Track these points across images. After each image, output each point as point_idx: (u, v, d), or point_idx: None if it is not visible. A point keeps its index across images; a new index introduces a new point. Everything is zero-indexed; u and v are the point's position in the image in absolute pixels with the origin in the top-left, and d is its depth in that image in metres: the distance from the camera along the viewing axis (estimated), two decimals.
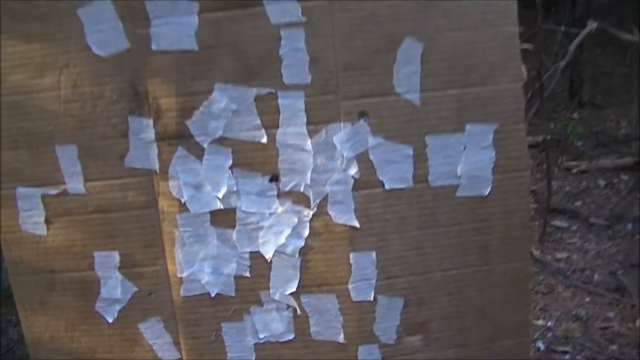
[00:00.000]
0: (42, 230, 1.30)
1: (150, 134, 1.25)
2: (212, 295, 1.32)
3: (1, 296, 2.79)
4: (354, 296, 1.30)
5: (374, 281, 1.29)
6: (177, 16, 1.20)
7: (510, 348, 1.35)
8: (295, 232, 1.27)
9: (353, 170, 1.24)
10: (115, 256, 1.31)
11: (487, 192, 1.25)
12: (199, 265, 1.30)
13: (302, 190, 1.26)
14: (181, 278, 1.31)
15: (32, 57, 1.22)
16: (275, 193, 1.27)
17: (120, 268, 1.31)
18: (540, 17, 2.92)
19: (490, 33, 1.20)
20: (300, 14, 1.19)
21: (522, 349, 1.35)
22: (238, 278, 1.31)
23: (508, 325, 1.33)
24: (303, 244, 1.28)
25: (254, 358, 1.35)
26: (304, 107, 1.22)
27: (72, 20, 1.21)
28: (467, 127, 1.23)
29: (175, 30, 1.20)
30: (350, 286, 1.30)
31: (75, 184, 1.28)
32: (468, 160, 1.24)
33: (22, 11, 1.20)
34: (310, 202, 1.26)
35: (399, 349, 1.33)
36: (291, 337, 1.33)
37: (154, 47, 1.21)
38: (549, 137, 3.27)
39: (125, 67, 1.22)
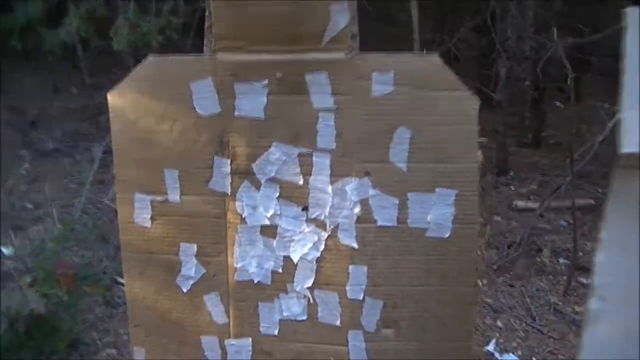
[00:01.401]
0: (147, 223, 2.06)
1: (227, 169, 1.99)
2: (255, 282, 2.04)
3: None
4: (349, 295, 2.00)
5: (364, 286, 1.99)
6: (253, 94, 1.94)
7: (457, 348, 2.02)
8: (315, 246, 1.99)
9: (357, 210, 1.95)
10: (194, 247, 2.05)
11: (447, 235, 1.94)
12: (249, 261, 2.03)
13: (322, 218, 1.97)
14: (236, 267, 2.05)
15: (156, 109, 1.99)
16: (305, 219, 1.98)
17: (196, 255, 2.06)
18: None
19: (458, 128, 1.89)
20: (332, 103, 1.91)
21: (466, 350, 2.02)
22: (274, 272, 2.03)
23: (456, 331, 2.00)
24: (319, 255, 1.99)
25: (277, 329, 2.07)
26: (329, 164, 1.94)
27: (186, 89, 1.97)
28: (437, 190, 1.92)
29: (251, 103, 1.95)
30: (347, 288, 2.00)
31: (174, 196, 2.03)
32: (436, 212, 1.93)
33: (156, 77, 1.97)
34: (327, 227, 1.98)
35: (377, 336, 2.02)
36: (304, 317, 2.04)
37: (236, 114, 1.96)
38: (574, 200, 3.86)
39: (216, 124, 1.97)
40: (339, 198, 1.92)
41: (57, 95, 7.89)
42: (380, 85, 1.85)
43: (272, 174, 1.94)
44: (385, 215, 1.92)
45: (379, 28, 8.16)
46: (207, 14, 1.92)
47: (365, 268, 1.95)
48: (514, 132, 6.30)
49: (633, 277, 1.30)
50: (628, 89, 1.27)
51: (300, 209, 1.95)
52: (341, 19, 1.83)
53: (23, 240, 4.27)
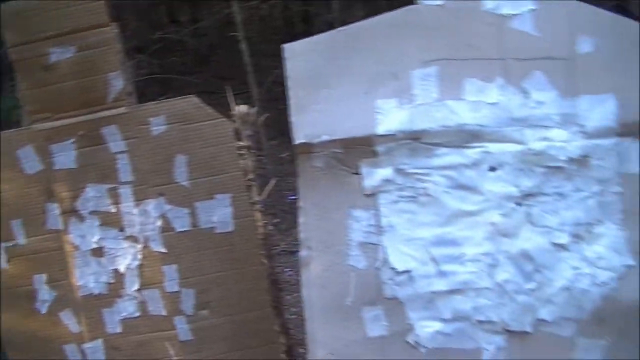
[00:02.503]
0: (5, 265, 2.73)
1: (57, 211, 2.67)
2: (96, 293, 2.71)
3: None
4: (167, 289, 2.68)
5: (177, 280, 2.67)
6: (65, 151, 2.63)
7: (260, 315, 2.71)
8: (134, 257, 2.67)
9: (159, 223, 2.64)
10: (44, 276, 2.72)
11: (231, 229, 2.64)
12: (88, 278, 2.70)
13: (135, 234, 2.66)
14: (79, 285, 2.72)
15: None
16: (122, 237, 2.67)
17: (47, 283, 2.72)
18: None
19: (222, 147, 2.61)
20: (125, 146, 2.61)
21: (267, 316, 2.71)
22: (108, 284, 2.70)
23: (257, 302, 2.70)
24: (139, 262, 2.68)
25: (120, 327, 2.74)
26: (131, 193, 2.63)
27: (14, 157, 2.65)
28: (216, 196, 2.63)
29: (65, 158, 2.63)
30: (165, 284, 2.68)
31: (21, 239, 2.70)
32: (219, 213, 2.63)
33: None
34: (140, 241, 2.67)
35: (195, 318, 2.71)
36: (138, 314, 2.71)
37: (55, 168, 2.65)
38: None
39: (42, 179, 2.66)
40: (144, 217, 2.62)
41: None
42: (157, 126, 2.56)
43: (91, 208, 2.63)
44: (181, 223, 2.61)
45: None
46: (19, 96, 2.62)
47: (175, 266, 2.64)
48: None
49: (325, 231, 2.04)
50: (294, 101, 2.01)
51: (117, 230, 2.64)
52: (118, 83, 2.54)
53: None
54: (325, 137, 1.99)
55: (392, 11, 2.03)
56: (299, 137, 2.01)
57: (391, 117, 2.00)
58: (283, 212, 5.43)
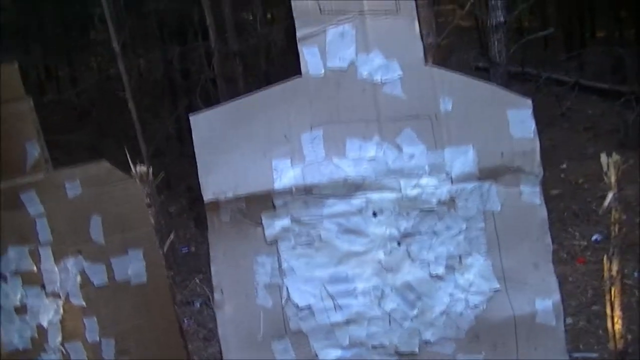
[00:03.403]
0: None
1: None
2: (21, 349, 2.96)
3: None
4: (89, 340, 2.95)
5: (97, 331, 2.96)
6: None
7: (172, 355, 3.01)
8: (56, 311, 2.93)
9: (78, 279, 2.92)
10: None
11: (145, 280, 2.94)
12: (12, 334, 2.95)
13: (57, 290, 2.93)
14: (3, 342, 2.96)
15: None
16: (44, 294, 2.94)
17: None
18: None
19: (132, 207, 2.92)
20: (43, 210, 2.89)
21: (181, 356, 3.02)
22: (32, 339, 2.96)
23: (170, 346, 3.00)
24: (60, 317, 2.94)
25: None
26: (50, 253, 2.91)
27: None
28: (129, 251, 2.93)
29: None
30: (86, 335, 2.95)
31: None
32: (133, 266, 2.93)
33: None
34: (61, 296, 2.93)
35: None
36: None
37: None
38: None
39: None
40: (65, 273, 2.89)
41: None
42: (72, 190, 2.85)
43: (14, 269, 2.89)
44: (98, 277, 2.90)
45: None
46: None
47: (94, 318, 2.92)
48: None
49: (235, 276, 2.38)
50: (201, 164, 2.35)
51: (39, 287, 2.90)
52: (34, 151, 2.83)
53: None
54: (230, 194, 2.35)
55: (282, 82, 2.41)
56: (207, 195, 2.37)
57: (286, 175, 2.38)
58: (177, 265, 5.78)
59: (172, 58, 6.79)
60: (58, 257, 2.86)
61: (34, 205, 2.84)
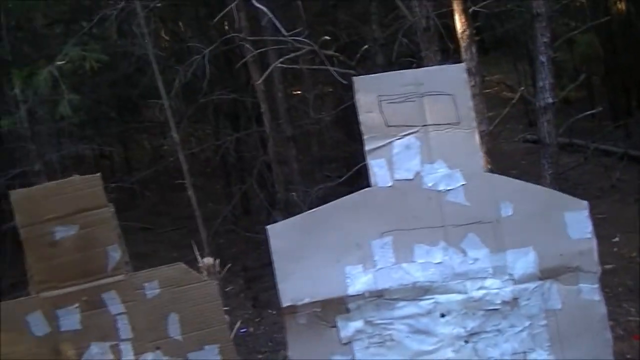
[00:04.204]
0: None
1: None
2: None
3: None
4: None
5: None
6: (69, 314, 3.13)
7: None
8: None
9: None
10: None
11: None
12: None
13: None
14: None
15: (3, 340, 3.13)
16: None
17: None
18: None
19: (208, 306, 3.14)
20: (123, 309, 3.13)
21: None
22: None
23: None
24: None
25: None
26: (131, 349, 3.14)
27: (23, 322, 3.13)
28: (205, 347, 3.15)
29: (69, 320, 3.13)
30: None
31: None
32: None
33: None
34: None
35: None
36: None
37: (62, 329, 3.14)
38: None
39: (49, 340, 3.14)
40: None
41: None
42: (150, 290, 3.09)
43: None
44: None
45: None
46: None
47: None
48: None
49: None
50: (279, 272, 2.58)
51: None
52: (115, 255, 3.08)
53: None
54: (306, 300, 2.56)
55: (354, 194, 2.64)
56: (285, 301, 2.59)
57: (359, 280, 2.59)
58: (237, 345, 6.00)
59: (227, 143, 7.12)
60: (138, 352, 3.08)
61: (114, 304, 3.08)
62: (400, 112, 2.62)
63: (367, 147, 2.63)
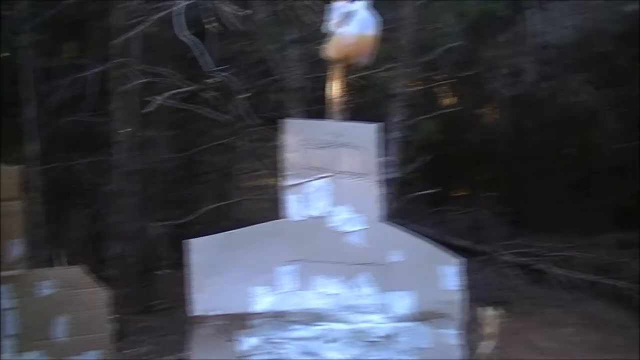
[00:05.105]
0: None
1: None
2: None
3: None
4: None
5: None
6: None
7: None
8: None
9: None
10: None
11: None
12: None
13: None
14: None
15: None
16: None
17: None
18: None
19: (96, 312, 3.32)
20: (16, 303, 3.24)
21: None
22: None
23: None
24: None
25: None
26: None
27: None
28: (89, 352, 3.31)
29: None
30: None
31: None
32: None
33: None
34: None
35: None
36: None
37: None
38: None
39: None
40: None
41: None
42: (44, 289, 3.23)
43: None
44: None
45: None
46: None
47: None
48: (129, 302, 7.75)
49: None
50: (194, 283, 2.83)
51: None
52: (17, 249, 3.20)
53: None
54: (215, 312, 2.86)
55: (270, 222, 2.99)
56: (196, 310, 2.86)
57: (263, 300, 2.92)
58: None
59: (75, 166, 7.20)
60: (21, 350, 3.20)
61: (7, 298, 3.19)
62: (319, 156, 3.01)
63: (287, 183, 2.99)
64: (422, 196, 9.91)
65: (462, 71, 8.77)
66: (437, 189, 8.70)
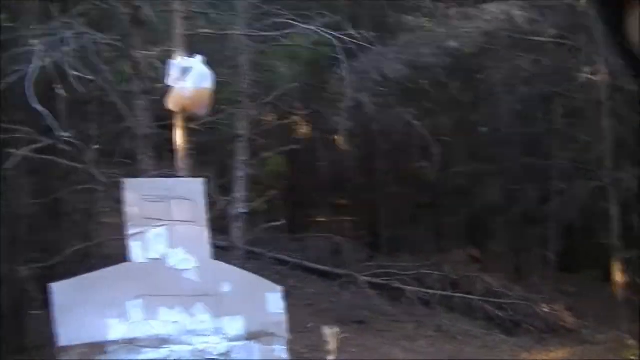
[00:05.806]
0: None
1: None
2: None
3: None
4: None
5: None
6: None
7: None
8: None
9: None
10: None
11: None
12: None
13: None
14: None
15: None
16: None
17: None
18: None
19: None
20: None
21: None
22: None
23: None
24: None
25: None
26: None
27: None
28: None
29: None
30: None
31: None
32: None
33: None
34: None
35: None
36: None
37: None
38: None
39: None
40: None
41: None
42: None
43: None
44: None
45: None
46: None
47: None
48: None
49: None
50: (59, 321, 3.42)
51: None
52: None
53: None
54: (77, 342, 3.46)
55: (117, 265, 3.65)
56: (61, 342, 3.46)
57: (116, 330, 3.56)
58: None
59: None
60: None
61: None
62: (155, 209, 3.73)
63: (129, 232, 3.68)
64: (283, 225, 10.50)
65: (305, 108, 9.60)
66: (286, 220, 9.34)
